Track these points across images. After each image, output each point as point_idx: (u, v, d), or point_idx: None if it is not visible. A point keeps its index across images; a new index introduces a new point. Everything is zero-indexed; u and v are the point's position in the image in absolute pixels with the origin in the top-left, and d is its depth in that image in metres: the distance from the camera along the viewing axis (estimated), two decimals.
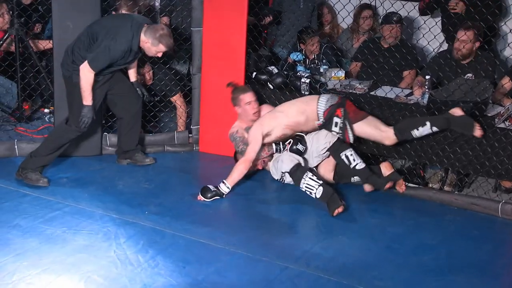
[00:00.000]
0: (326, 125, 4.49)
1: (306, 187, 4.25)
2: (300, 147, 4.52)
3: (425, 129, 4.30)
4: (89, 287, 3.28)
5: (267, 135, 4.50)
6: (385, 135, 4.39)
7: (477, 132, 4.22)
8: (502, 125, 4.31)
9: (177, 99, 5.36)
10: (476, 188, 4.68)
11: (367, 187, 4.45)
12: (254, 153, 4.45)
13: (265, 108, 4.83)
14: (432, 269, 3.56)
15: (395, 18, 5.40)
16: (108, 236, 3.80)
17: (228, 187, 4.36)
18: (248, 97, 4.68)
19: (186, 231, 3.90)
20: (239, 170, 4.40)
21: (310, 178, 4.26)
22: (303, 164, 4.43)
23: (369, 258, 3.68)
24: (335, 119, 4.43)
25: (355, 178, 4.51)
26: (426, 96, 4.64)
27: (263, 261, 3.59)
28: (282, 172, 4.45)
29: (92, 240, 3.75)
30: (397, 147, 4.65)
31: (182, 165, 5.03)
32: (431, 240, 3.91)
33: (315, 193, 4.21)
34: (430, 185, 4.74)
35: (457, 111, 4.28)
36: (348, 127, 4.41)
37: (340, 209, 4.12)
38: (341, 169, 4.51)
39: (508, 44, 5.05)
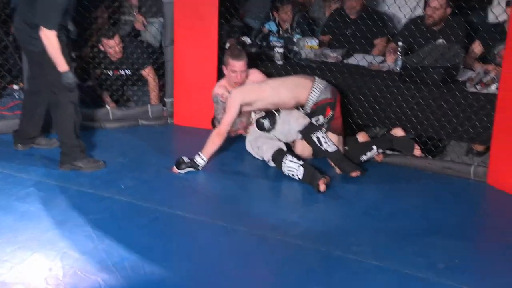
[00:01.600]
0: (309, 114, 4.45)
1: (288, 170, 4.19)
2: (266, 125, 4.44)
3: (372, 153, 4.44)
4: (66, 262, 3.25)
5: (247, 104, 4.39)
6: None
7: (416, 152, 4.44)
8: (473, 90, 4.35)
9: (149, 72, 5.30)
10: (449, 153, 4.73)
11: (338, 170, 4.37)
12: (228, 126, 4.36)
13: (254, 73, 4.66)
14: (408, 233, 3.60)
15: None
16: (83, 212, 3.77)
17: (203, 159, 4.32)
18: (237, 66, 4.49)
19: (162, 204, 3.89)
20: (214, 142, 4.34)
21: (290, 160, 4.20)
22: (284, 148, 4.36)
23: (346, 225, 3.71)
24: (320, 117, 4.39)
25: (364, 159, 4.45)
26: (399, 62, 4.66)
27: (240, 231, 3.60)
28: (266, 161, 4.41)
29: (67, 216, 3.72)
30: (371, 115, 4.67)
31: (157, 138, 5.00)
32: (406, 204, 3.95)
33: (297, 175, 4.15)
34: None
35: (398, 132, 4.47)
36: (324, 128, 4.41)
37: (321, 182, 4.04)
38: (352, 152, 4.45)
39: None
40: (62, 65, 4.02)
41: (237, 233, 3.58)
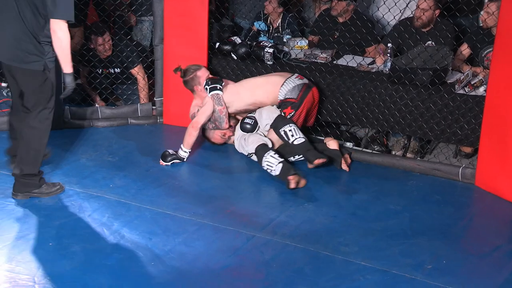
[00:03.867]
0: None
1: (267, 165, 4.24)
2: (250, 125, 4.56)
3: (299, 158, 4.45)
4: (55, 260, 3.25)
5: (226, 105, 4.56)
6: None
7: (344, 166, 4.40)
8: (461, 92, 4.37)
9: (139, 71, 5.28)
10: (437, 154, 4.75)
11: (309, 164, 4.41)
12: (204, 117, 4.53)
13: (227, 83, 4.78)
14: (396, 234, 3.62)
15: None
16: (72, 210, 3.76)
17: (185, 151, 4.47)
18: (205, 72, 4.70)
19: (152, 203, 3.89)
20: (190, 133, 4.47)
21: (271, 156, 4.24)
22: (269, 145, 4.41)
23: (335, 225, 3.72)
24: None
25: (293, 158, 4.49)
26: (388, 64, 4.66)
27: (230, 230, 3.61)
28: (249, 153, 4.47)
29: (55, 215, 3.70)
30: (360, 116, 4.69)
31: (146, 137, 4.98)
32: (395, 205, 3.97)
33: (274, 170, 4.19)
34: (393, 152, 4.80)
35: (332, 143, 4.48)
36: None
37: (290, 178, 4.07)
38: (282, 148, 4.48)
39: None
40: (70, 65, 3.69)
41: (227, 232, 3.59)
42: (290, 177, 4.08)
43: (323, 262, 3.33)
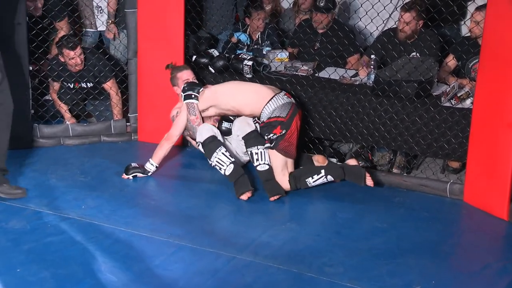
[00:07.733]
0: (261, 128, 4.31)
1: (217, 161, 4.20)
2: (226, 128, 4.46)
3: (320, 178, 4.19)
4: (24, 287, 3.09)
5: (202, 111, 4.40)
6: (282, 178, 4.21)
7: (368, 182, 4.13)
8: (447, 104, 4.30)
9: (112, 86, 5.11)
10: (424, 170, 4.68)
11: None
12: (178, 128, 4.42)
13: (208, 87, 4.61)
14: (383, 253, 3.54)
15: (322, 4, 5.09)
16: (41, 234, 3.61)
17: (153, 164, 4.39)
18: (186, 75, 4.60)
19: (126, 224, 3.76)
20: (162, 145, 4.38)
21: (223, 153, 4.20)
22: (220, 138, 4.34)
23: (319, 245, 3.62)
24: (271, 135, 4.20)
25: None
26: (372, 76, 4.58)
27: (209, 252, 3.50)
28: (197, 142, 4.36)
29: (22, 239, 3.55)
30: (343, 131, 4.57)
31: (120, 155, 4.82)
32: (381, 223, 3.88)
33: (224, 170, 4.17)
34: (379, 168, 4.70)
35: (351, 161, 4.30)
36: (272, 146, 4.21)
37: (249, 194, 4.12)
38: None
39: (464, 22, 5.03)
40: None
41: (206, 254, 3.48)
42: (248, 194, 4.12)
43: (307, 284, 3.23)
